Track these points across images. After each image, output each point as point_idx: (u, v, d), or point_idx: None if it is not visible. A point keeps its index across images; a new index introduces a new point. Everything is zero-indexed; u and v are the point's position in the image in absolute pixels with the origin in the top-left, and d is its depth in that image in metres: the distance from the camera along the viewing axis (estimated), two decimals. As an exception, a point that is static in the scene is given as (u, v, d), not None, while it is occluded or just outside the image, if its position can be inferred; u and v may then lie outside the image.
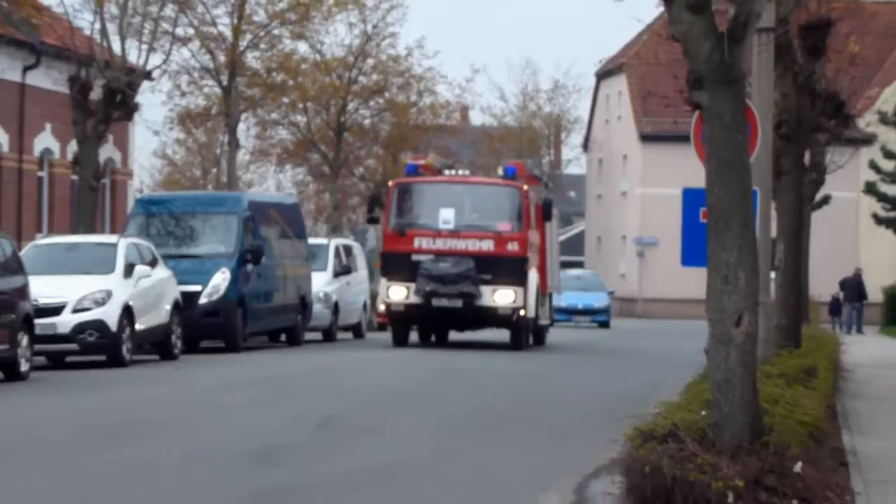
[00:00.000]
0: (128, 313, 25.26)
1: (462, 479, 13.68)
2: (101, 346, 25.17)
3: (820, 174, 29.55)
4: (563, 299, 45.92)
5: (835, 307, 53.96)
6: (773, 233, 21.45)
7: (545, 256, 28.40)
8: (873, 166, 49.46)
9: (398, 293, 25.24)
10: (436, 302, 24.66)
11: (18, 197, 37.43)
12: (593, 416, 18.91)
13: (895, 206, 50.57)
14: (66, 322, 24.60)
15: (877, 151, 49.04)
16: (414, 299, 24.83)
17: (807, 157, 26.73)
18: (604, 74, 72.72)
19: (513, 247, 24.36)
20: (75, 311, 24.78)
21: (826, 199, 33.73)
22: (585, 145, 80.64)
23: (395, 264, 25.28)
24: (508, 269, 24.44)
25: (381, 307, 27.69)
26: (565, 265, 68.69)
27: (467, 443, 16.25)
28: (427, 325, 27.50)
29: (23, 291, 22.45)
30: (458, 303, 24.51)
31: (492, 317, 25.39)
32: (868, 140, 45.71)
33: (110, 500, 12.37)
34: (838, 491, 12.34)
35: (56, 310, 24.36)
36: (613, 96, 71.60)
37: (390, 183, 29.44)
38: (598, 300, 51.85)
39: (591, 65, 74.71)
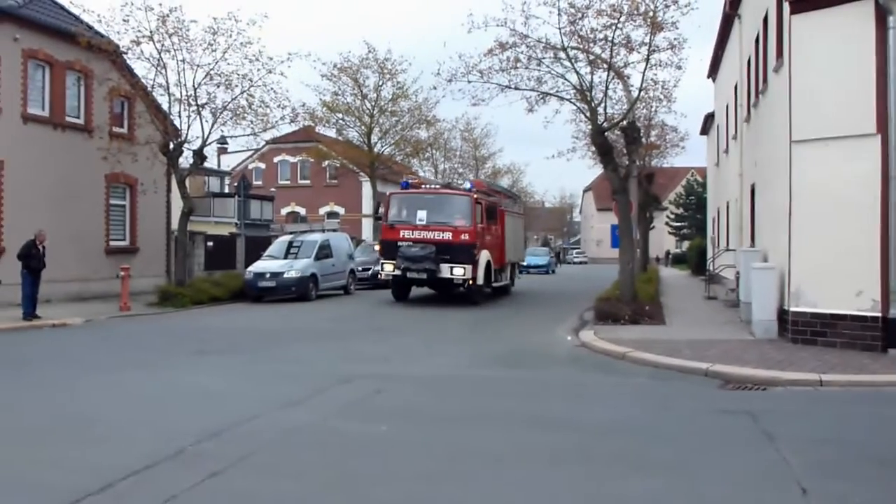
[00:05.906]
0: None
1: (534, 320, 15.01)
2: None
3: (651, 219, 32.15)
4: (526, 261, 36.78)
5: (661, 260, 57.67)
6: (637, 237, 23.11)
7: (504, 241, 22.19)
8: (668, 216, 57.06)
9: (388, 268, 20.04)
10: (409, 274, 19.81)
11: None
12: (578, 299, 19.47)
13: (674, 229, 58.28)
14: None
15: (668, 213, 56.65)
16: (397, 272, 19.90)
17: (648, 214, 29.93)
18: (586, 190, 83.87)
19: (465, 237, 19.26)
20: None
21: (654, 227, 35.76)
22: (580, 212, 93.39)
23: (387, 248, 19.84)
24: (462, 252, 19.16)
25: (381, 276, 20.65)
26: (576, 252, 77.87)
27: (525, 312, 16.78)
28: (406, 286, 20.84)
29: (375, 261, 23.62)
30: (424, 275, 19.30)
31: (450, 284, 20.14)
32: (666, 208, 52.35)
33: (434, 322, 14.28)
34: (661, 316, 14.83)
35: None
36: (590, 197, 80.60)
37: (388, 193, 22.27)
38: (542, 261, 43.76)
39: (581, 187, 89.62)
